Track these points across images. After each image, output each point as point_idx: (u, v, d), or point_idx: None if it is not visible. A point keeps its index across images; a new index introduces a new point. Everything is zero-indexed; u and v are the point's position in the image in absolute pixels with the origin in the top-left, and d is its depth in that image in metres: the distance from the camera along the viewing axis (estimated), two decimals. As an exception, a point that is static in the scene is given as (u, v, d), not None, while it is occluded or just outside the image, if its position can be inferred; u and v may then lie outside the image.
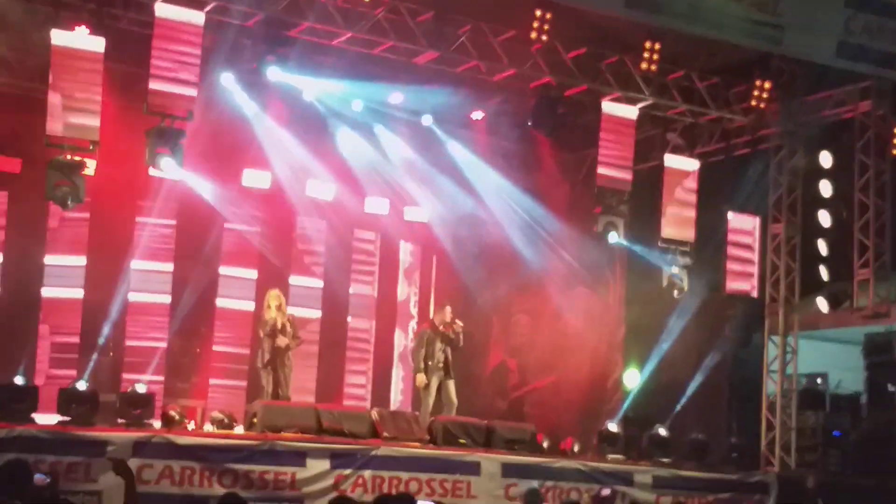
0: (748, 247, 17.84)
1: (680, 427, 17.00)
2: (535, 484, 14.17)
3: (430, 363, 15.66)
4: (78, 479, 12.31)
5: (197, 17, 14.45)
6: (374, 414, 14.90)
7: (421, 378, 15.66)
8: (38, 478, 9.15)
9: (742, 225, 17.85)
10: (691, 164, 17.83)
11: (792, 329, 17.70)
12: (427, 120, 18.06)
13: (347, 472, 13.76)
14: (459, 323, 15.90)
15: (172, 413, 14.17)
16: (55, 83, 13.85)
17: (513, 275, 19.22)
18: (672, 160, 17.79)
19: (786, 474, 16.82)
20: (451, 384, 15.74)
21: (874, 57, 14.92)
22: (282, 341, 15.02)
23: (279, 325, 15.08)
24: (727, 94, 17.73)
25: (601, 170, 17.14)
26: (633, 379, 18.96)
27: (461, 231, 19.04)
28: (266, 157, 17.08)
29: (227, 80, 16.17)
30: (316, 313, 18.09)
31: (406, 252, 19.44)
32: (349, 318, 18.67)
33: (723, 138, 18.29)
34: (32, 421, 12.81)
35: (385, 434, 14.43)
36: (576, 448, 16.07)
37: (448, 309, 16.04)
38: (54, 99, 13.82)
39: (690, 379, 18.04)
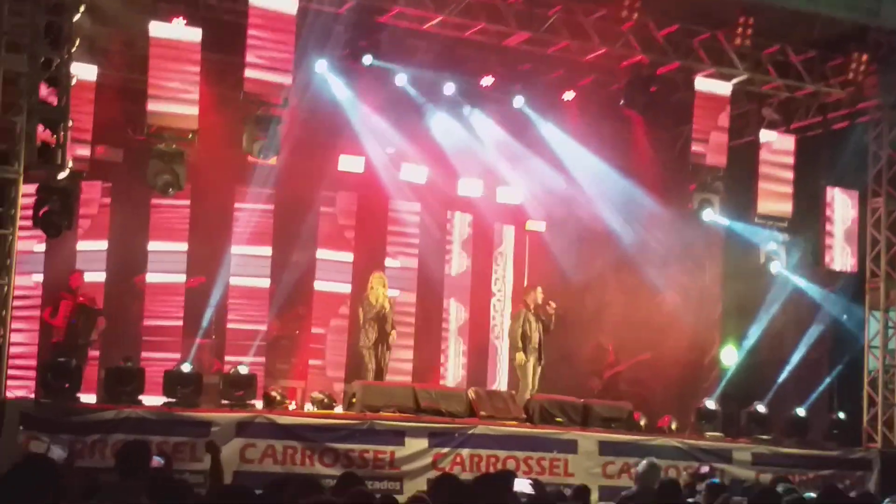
0: (847, 221, 17.60)
1: (779, 404, 16.85)
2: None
3: (527, 343, 15.74)
4: (184, 459, 12.64)
5: (290, 6, 14.68)
6: (471, 393, 15.04)
7: (520, 357, 15.72)
8: (155, 459, 9.45)
9: (841, 199, 17.63)
10: (787, 140, 17.63)
11: (893, 304, 17.41)
12: (518, 101, 18.08)
13: (445, 450, 13.94)
14: (553, 304, 15.96)
15: (274, 393, 14.49)
16: (154, 74, 14.22)
17: (608, 254, 19.18)
18: (768, 135, 17.61)
19: (888, 451, 16.59)
20: (539, 369, 15.82)
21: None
22: (387, 323, 15.23)
23: (385, 308, 15.26)
24: (824, 67, 17.44)
25: (695, 147, 17.05)
26: (730, 356, 18.82)
27: (555, 211, 19.05)
28: (360, 142, 17.28)
29: (321, 67, 16.39)
30: (412, 296, 18.28)
31: (501, 233, 19.51)
32: (445, 300, 18.82)
33: (819, 112, 18.02)
34: (139, 403, 13.19)
35: (482, 413, 14.57)
36: (673, 426, 16.02)
37: (539, 289, 16.11)
38: (154, 89, 14.19)
39: (790, 355, 17.86)
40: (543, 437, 14.50)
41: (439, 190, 18.46)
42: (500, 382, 18.75)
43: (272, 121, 14.66)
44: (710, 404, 16.32)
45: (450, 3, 15.36)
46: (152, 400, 13.48)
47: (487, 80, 17.60)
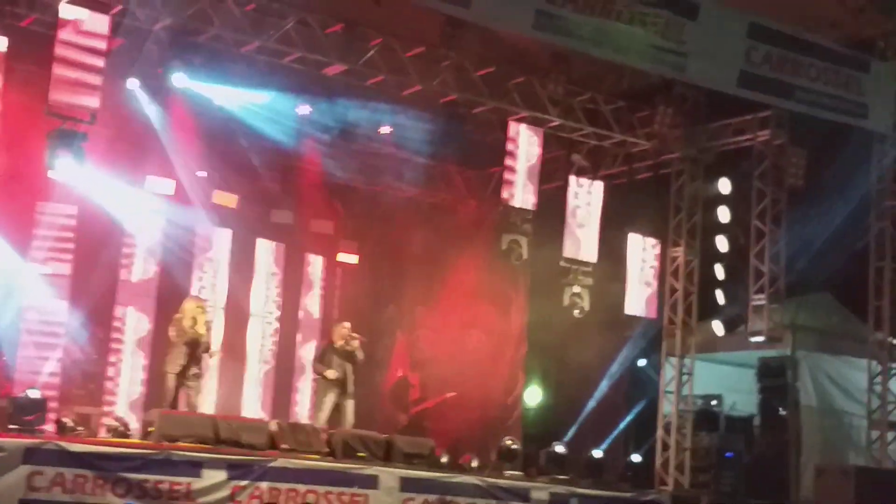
0: (648, 269, 18.17)
1: (578, 444, 17.19)
2: (432, 499, 14.22)
3: (330, 377, 15.70)
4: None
5: (102, 20, 14.22)
6: (273, 425, 14.80)
7: (324, 378, 15.71)
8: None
9: (642, 247, 18.19)
10: (595, 187, 18.12)
11: (689, 351, 18.01)
12: (335, 132, 18.02)
13: (244, 483, 13.61)
14: (357, 336, 15.92)
15: (66, 420, 13.93)
16: (-46, 82, 13.61)
17: (417, 289, 19.27)
18: (576, 181, 18.05)
19: (679, 494, 17.08)
20: (350, 404, 15.75)
21: (774, 87, 15.27)
22: (202, 351, 14.92)
23: (199, 336, 14.93)
24: (631, 118, 18.04)
25: (506, 188, 17.34)
26: (533, 396, 19.12)
27: (367, 244, 19.03)
28: (170, 164, 16.89)
29: (133, 84, 15.97)
30: (219, 324, 17.92)
31: (311, 264, 19.35)
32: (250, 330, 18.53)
33: (626, 162, 18.59)
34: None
35: (283, 445, 14.35)
36: (474, 463, 16.12)
37: (346, 324, 16.11)
38: (-47, 97, 13.57)
39: (589, 397, 18.26)
40: (344, 472, 14.34)
41: (250, 216, 18.19)
42: (302, 414, 18.54)
43: (78, 137, 14.18)
44: (511, 443, 16.50)
45: (269, 28, 15.22)
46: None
47: (304, 109, 17.50)
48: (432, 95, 16.89)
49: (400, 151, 18.78)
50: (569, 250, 17.71)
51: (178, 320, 14.99)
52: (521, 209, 17.37)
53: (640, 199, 18.43)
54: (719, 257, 18.17)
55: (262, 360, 18.60)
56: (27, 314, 16.20)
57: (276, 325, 18.77)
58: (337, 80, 16.51)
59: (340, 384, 15.76)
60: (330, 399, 15.72)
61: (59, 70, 14.01)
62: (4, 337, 15.71)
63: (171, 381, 14.81)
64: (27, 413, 13.25)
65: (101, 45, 14.21)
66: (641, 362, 19.07)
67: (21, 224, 16.07)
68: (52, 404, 14.69)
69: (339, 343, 15.88)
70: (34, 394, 13.60)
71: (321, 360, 15.97)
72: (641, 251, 18.20)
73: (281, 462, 13.93)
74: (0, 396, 14.51)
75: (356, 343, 15.89)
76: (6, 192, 15.21)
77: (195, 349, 14.90)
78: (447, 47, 15.95)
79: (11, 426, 13.11)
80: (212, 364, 16.88)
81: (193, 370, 14.92)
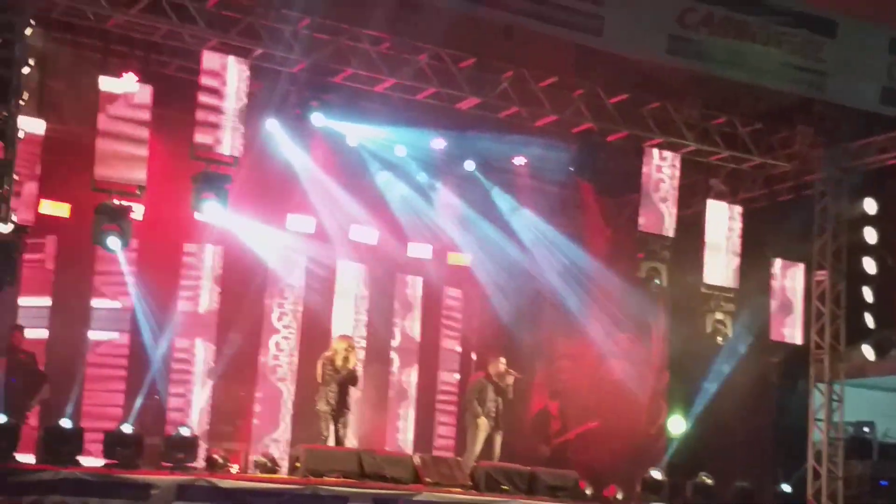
0: (793, 293, 17.77)
1: (725, 475, 16.81)
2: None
3: (482, 410, 15.84)
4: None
5: (242, 65, 14.68)
6: (417, 459, 14.88)
7: (483, 422, 15.80)
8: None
9: (786, 271, 17.80)
10: (734, 211, 17.83)
11: (838, 377, 17.49)
12: (469, 165, 18.15)
13: (390, 516, 13.75)
14: (513, 374, 16.06)
15: (216, 456, 14.22)
16: (103, 129, 14.12)
17: (556, 320, 19.19)
18: (715, 206, 17.79)
19: (833, 524, 16.60)
20: (499, 437, 15.89)
21: (918, 103, 14.87)
22: (351, 388, 15.18)
23: (350, 372, 15.14)
24: (770, 139, 17.69)
25: (643, 215, 17.17)
26: (677, 425, 18.81)
27: (504, 276, 19.04)
28: (310, 202, 17.22)
29: (273, 126, 16.35)
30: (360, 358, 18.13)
31: (449, 297, 19.44)
32: (393, 364, 18.67)
33: (766, 184, 18.26)
34: (78, 463, 12.89)
35: (427, 479, 14.40)
36: (619, 496, 15.94)
37: (502, 360, 16.18)
38: (102, 144, 14.10)
39: (736, 426, 17.87)
40: (488, 505, 14.35)
41: (388, 252, 18.39)
42: (444, 447, 18.58)
43: (221, 179, 14.58)
44: (656, 474, 16.26)
45: (403, 65, 15.43)
46: (92, 461, 13.18)
47: (439, 144, 17.68)
48: (566, 125, 16.86)
49: (534, 182, 18.77)
50: (710, 276, 17.43)
51: (329, 358, 15.17)
52: (659, 236, 17.16)
53: (782, 222, 18.05)
54: (867, 279, 17.64)
55: (403, 395, 18.71)
56: (178, 353, 16.65)
57: (417, 358, 18.87)
58: (471, 113, 16.63)
59: (493, 417, 15.86)
60: (483, 434, 15.81)
61: (202, 114, 14.48)
62: (157, 376, 16.15)
63: (324, 418, 14.98)
64: (179, 450, 13.60)
65: (243, 88, 14.62)
66: (789, 389, 18.62)
67: (169, 265, 16.57)
68: (202, 441, 15.02)
69: (495, 378, 15.99)
70: (185, 431, 13.96)
71: (478, 394, 16.00)
72: (785, 275, 17.80)
73: (425, 496, 14.01)
74: (153, 434, 14.88)
75: (510, 380, 16.02)
76: (154, 235, 15.69)
77: (346, 386, 15.07)
78: (579, 76, 15.96)
79: (164, 464, 13.46)
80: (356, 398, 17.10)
81: (344, 406, 15.08)
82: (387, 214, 18.08)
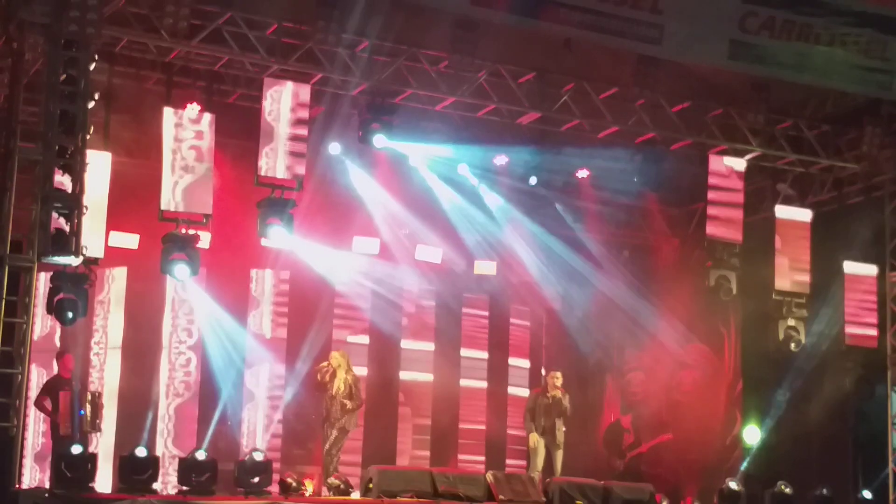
0: (867, 296, 17.46)
1: (803, 483, 16.53)
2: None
3: (537, 426, 15.83)
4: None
5: (303, 90, 14.79)
6: (490, 476, 14.80)
7: (533, 438, 15.82)
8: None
9: (859, 274, 17.50)
10: (804, 215, 17.58)
11: (915, 379, 17.18)
12: (533, 180, 18.09)
13: (465, 535, 13.70)
14: (565, 396, 16.05)
15: (289, 480, 14.26)
16: (168, 159, 14.27)
17: (625, 332, 19.05)
18: (783, 211, 17.56)
19: (917, 531, 16.25)
20: (559, 455, 15.85)
21: None
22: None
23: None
24: (838, 141, 17.42)
25: (710, 223, 16.99)
26: (752, 435, 18.55)
27: (571, 290, 18.94)
28: (374, 224, 17.28)
29: (335, 149, 16.44)
30: (428, 377, 18.13)
31: (516, 314, 19.37)
32: (460, 381, 18.64)
33: (835, 187, 17.98)
34: (154, 491, 13.00)
35: (501, 497, 14.31)
36: (696, 507, 15.75)
37: (557, 374, 16.11)
38: (168, 174, 14.24)
39: (813, 433, 17.59)
40: (564, 521, 14.25)
41: (454, 270, 18.37)
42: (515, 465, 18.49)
43: (286, 204, 14.67)
44: (733, 485, 16.00)
45: (462, 83, 15.43)
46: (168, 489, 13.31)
47: (501, 160, 17.65)
48: (628, 135, 16.74)
49: (599, 194, 18.67)
50: (780, 282, 17.19)
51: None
52: (727, 243, 16.96)
53: (853, 225, 17.76)
54: (942, 280, 17.29)
55: (474, 412, 18.67)
56: (248, 378, 16.77)
57: (485, 376, 18.82)
58: (532, 128, 16.59)
59: (551, 432, 15.77)
60: (541, 450, 15.77)
61: (265, 141, 14.58)
62: (228, 402, 16.28)
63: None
64: (253, 475, 13.64)
65: (304, 114, 14.74)
66: (866, 394, 18.26)
67: (237, 291, 16.71)
68: (275, 465, 15.08)
69: (550, 393, 15.98)
70: (258, 456, 13.99)
71: (532, 409, 16.05)
72: (858, 279, 17.50)
73: (500, 513, 13.92)
74: (227, 460, 14.96)
75: (566, 400, 16.00)
76: (222, 261, 15.84)
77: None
78: (640, 86, 15.79)
79: (238, 488, 13.53)
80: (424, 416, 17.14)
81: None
82: (451, 232, 18.06)
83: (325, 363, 15.56)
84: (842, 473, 17.85)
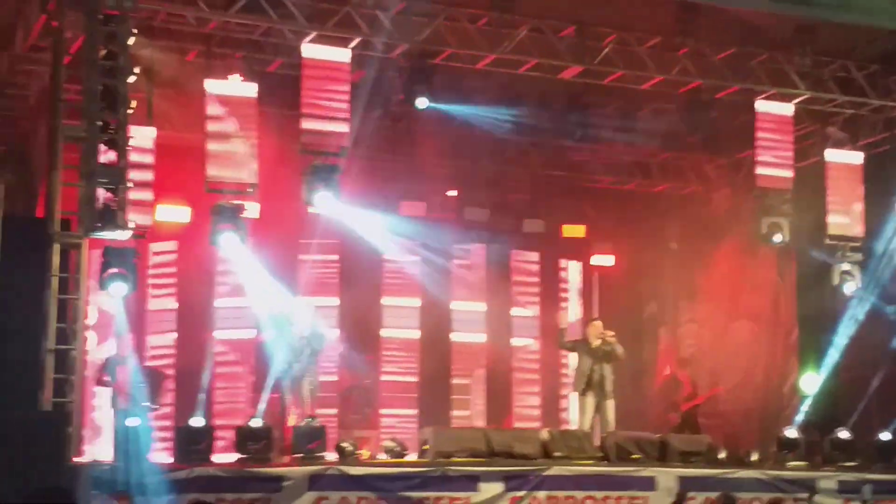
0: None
1: (864, 429, 16.37)
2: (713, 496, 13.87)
3: (581, 379, 15.46)
4: (258, 515, 12.57)
5: (343, 55, 14.73)
6: (544, 434, 14.80)
7: (577, 398, 15.66)
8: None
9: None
10: (855, 157, 17.28)
11: (975, 321, 16.89)
12: (579, 136, 17.96)
13: (521, 493, 13.65)
14: (610, 334, 15.53)
15: (345, 444, 14.36)
16: (212, 131, 14.32)
17: (677, 285, 18.92)
18: (834, 154, 17.28)
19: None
20: (611, 405, 15.34)
21: None
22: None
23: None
24: (888, 81, 17.04)
25: (760, 171, 16.79)
26: (810, 382, 18.36)
27: (621, 243, 18.83)
28: (421, 186, 17.25)
29: (377, 113, 16.40)
30: (480, 337, 18.15)
31: (567, 270, 19.31)
32: (512, 340, 18.63)
33: (886, 128, 17.64)
34: (210, 461, 13.16)
35: (556, 453, 14.32)
36: (754, 457, 15.62)
37: (598, 322, 15.80)
38: (212, 146, 14.30)
39: (871, 377, 17.36)
40: (621, 476, 14.19)
41: (502, 229, 18.32)
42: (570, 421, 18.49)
43: (331, 170, 14.67)
44: (792, 433, 15.91)
45: (502, 40, 15.29)
46: (225, 457, 13.45)
47: (545, 116, 17.52)
48: (672, 85, 16.53)
49: (646, 147, 18.48)
50: (834, 227, 16.95)
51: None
52: (778, 190, 16.74)
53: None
54: None
55: (527, 371, 18.67)
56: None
57: (538, 334, 18.79)
58: (575, 82, 16.41)
59: (598, 385, 15.41)
60: (590, 402, 15.40)
61: (307, 109, 14.57)
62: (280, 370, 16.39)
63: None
64: (309, 441, 13.75)
65: (344, 78, 14.68)
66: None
67: (287, 261, 16.76)
68: (332, 430, 15.19)
69: (595, 343, 15.46)
70: (314, 422, 14.11)
71: (576, 362, 15.74)
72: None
73: (556, 470, 13.90)
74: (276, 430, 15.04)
75: (613, 339, 15.47)
76: (270, 232, 15.87)
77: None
78: (683, 34, 15.58)
79: (295, 454, 13.64)
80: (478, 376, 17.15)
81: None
82: (499, 191, 17.99)
83: None
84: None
